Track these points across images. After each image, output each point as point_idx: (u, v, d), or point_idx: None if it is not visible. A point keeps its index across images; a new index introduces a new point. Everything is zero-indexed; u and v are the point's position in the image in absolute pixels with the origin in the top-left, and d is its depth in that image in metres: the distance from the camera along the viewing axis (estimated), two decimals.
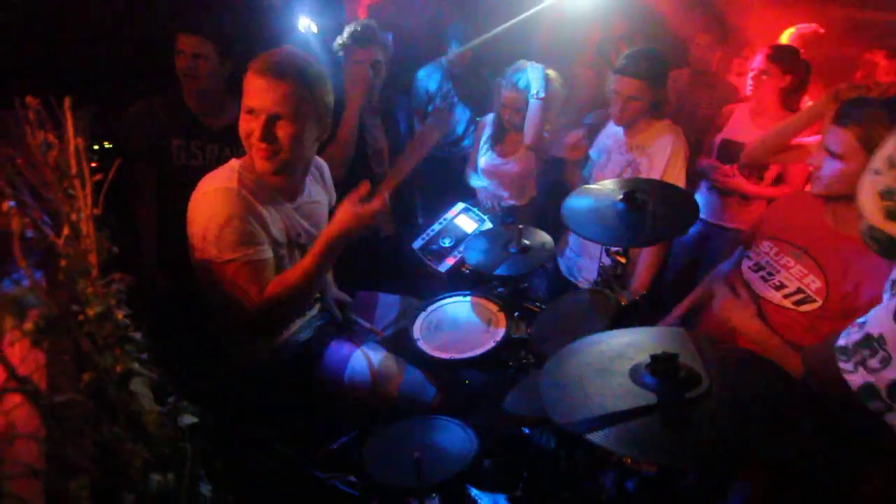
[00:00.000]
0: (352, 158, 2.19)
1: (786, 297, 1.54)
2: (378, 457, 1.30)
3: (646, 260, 2.16)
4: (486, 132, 2.68)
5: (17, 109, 0.82)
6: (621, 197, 1.53)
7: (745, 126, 2.46)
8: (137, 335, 0.82)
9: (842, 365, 1.08)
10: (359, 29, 2.23)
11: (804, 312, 1.49)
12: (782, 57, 2.33)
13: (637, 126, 2.18)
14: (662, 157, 2.11)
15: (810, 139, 2.05)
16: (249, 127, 1.37)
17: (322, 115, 1.45)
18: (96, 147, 2.49)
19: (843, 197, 1.43)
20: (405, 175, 1.56)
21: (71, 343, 0.63)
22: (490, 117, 2.67)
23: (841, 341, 1.10)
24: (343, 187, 2.41)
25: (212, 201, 1.35)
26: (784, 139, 1.99)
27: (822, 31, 2.77)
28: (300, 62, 1.38)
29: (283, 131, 1.36)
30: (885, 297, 1.12)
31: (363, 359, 1.62)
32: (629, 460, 1.03)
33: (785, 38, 2.82)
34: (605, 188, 1.64)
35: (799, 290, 1.52)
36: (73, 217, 0.75)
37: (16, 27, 1.97)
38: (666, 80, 2.14)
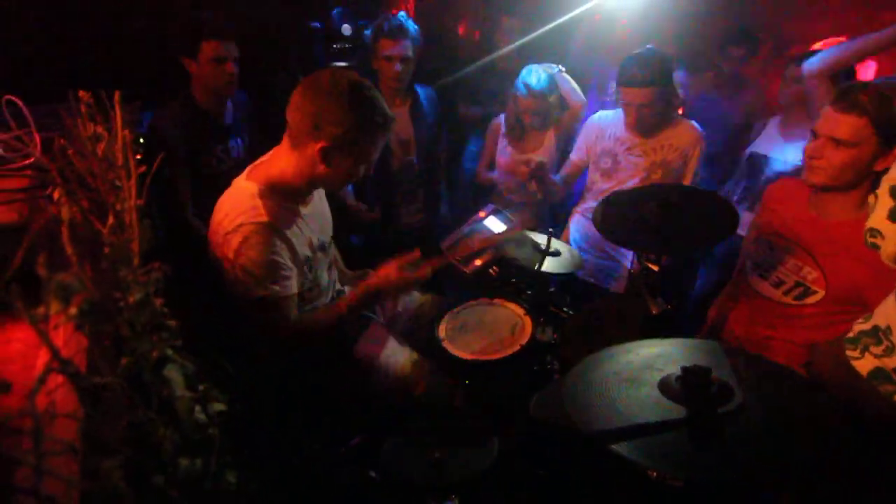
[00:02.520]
0: None
1: (786, 293, 1.56)
2: (399, 454, 1.31)
3: None
4: (502, 131, 2.64)
5: (70, 102, 0.86)
6: (656, 204, 1.49)
7: (773, 138, 2.36)
8: (173, 323, 0.85)
9: (849, 353, 1.17)
10: (390, 23, 2.24)
11: (813, 305, 1.50)
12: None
13: (649, 129, 2.15)
14: (695, 155, 2.13)
15: None
16: (367, 169, 1.43)
17: None
18: (142, 140, 2.59)
19: (836, 188, 1.44)
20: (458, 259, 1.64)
21: (111, 328, 0.65)
22: (503, 117, 2.63)
23: (849, 334, 1.19)
24: (373, 179, 2.49)
25: (243, 241, 1.33)
26: (863, 54, 1.81)
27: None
28: None
29: None
30: None
31: (393, 353, 1.64)
32: (654, 474, 1.01)
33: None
34: (640, 194, 1.61)
35: (797, 284, 1.53)
36: (118, 207, 0.78)
37: (70, 25, 2.06)
38: (671, 77, 2.07)
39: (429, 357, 1.69)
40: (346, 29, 2.53)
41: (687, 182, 2.17)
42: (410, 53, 2.27)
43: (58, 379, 0.55)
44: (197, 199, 2.12)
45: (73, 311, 0.58)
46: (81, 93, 0.88)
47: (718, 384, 0.88)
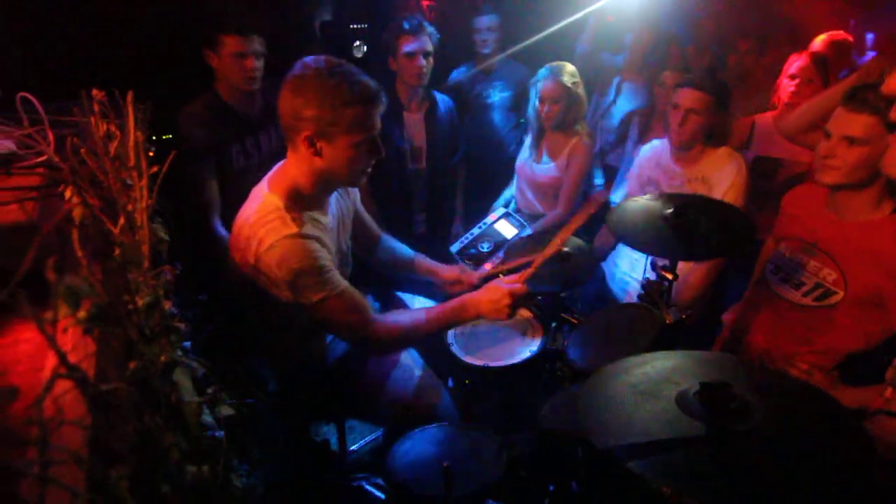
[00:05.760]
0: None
1: (805, 294, 1.58)
2: (406, 461, 1.29)
3: (694, 281, 2.05)
4: (528, 136, 2.61)
5: (83, 100, 0.85)
6: (673, 210, 1.47)
7: (773, 138, 2.27)
8: (181, 325, 0.83)
9: None
10: (409, 21, 2.24)
11: (834, 308, 1.51)
12: (826, 65, 2.18)
13: (692, 154, 2.05)
14: (722, 186, 1.98)
15: None
16: (375, 151, 1.38)
17: None
18: (154, 138, 2.58)
19: (850, 186, 1.48)
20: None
21: (120, 332, 0.64)
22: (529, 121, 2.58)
23: None
24: (373, 185, 2.41)
25: (283, 255, 1.31)
26: (823, 112, 1.81)
27: (851, 39, 2.55)
28: None
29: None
30: None
31: (405, 371, 1.61)
32: (668, 491, 0.98)
33: (818, 43, 2.60)
34: (657, 200, 1.58)
35: (817, 286, 1.55)
36: (130, 207, 0.77)
37: (81, 22, 2.04)
38: (728, 107, 2.03)
39: (437, 361, 1.68)
40: (359, 50, 2.51)
41: None
42: (430, 48, 2.27)
43: (65, 384, 0.54)
44: (225, 196, 2.09)
45: (81, 314, 0.57)
46: (95, 91, 0.87)
47: (738, 401, 0.85)
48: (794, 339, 1.61)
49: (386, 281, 1.95)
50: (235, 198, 1.47)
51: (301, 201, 1.40)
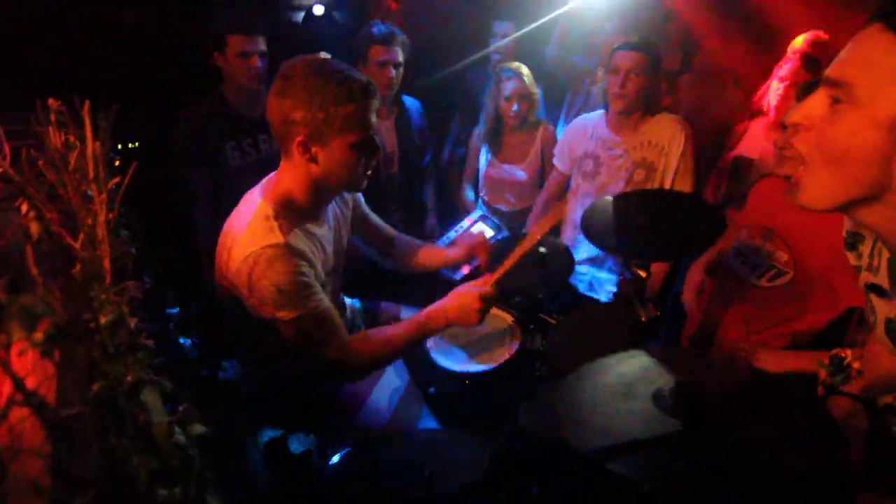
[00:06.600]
0: None
1: (760, 276, 1.64)
2: (389, 468, 1.28)
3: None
4: (482, 142, 2.61)
5: (39, 111, 0.82)
6: (644, 209, 1.50)
7: (757, 141, 2.32)
8: (149, 342, 0.81)
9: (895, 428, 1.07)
10: (383, 29, 2.23)
11: (783, 286, 1.58)
12: (817, 67, 2.25)
13: (631, 122, 2.13)
14: (677, 150, 2.08)
15: None
16: (372, 151, 1.33)
17: None
18: (120, 147, 2.52)
19: None
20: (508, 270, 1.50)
21: (82, 352, 0.61)
22: (482, 126, 2.57)
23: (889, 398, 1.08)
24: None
25: (265, 264, 1.23)
26: None
27: (827, 37, 2.64)
28: None
29: None
30: None
31: (384, 391, 1.57)
32: (648, 490, 0.99)
33: (798, 43, 2.68)
34: (627, 200, 1.61)
35: (771, 267, 1.62)
36: (89, 221, 0.74)
37: (44, 28, 1.99)
38: (660, 70, 2.12)
39: (416, 367, 1.67)
40: (318, 8, 2.56)
41: (685, 186, 2.11)
42: (401, 59, 2.28)
43: (22, 412, 0.52)
44: (221, 194, 2.14)
45: (38, 336, 0.54)
46: (51, 101, 0.83)
47: (714, 397, 0.86)
48: (754, 321, 1.66)
49: (373, 289, 1.94)
50: (230, 197, 1.43)
51: (294, 212, 1.34)
